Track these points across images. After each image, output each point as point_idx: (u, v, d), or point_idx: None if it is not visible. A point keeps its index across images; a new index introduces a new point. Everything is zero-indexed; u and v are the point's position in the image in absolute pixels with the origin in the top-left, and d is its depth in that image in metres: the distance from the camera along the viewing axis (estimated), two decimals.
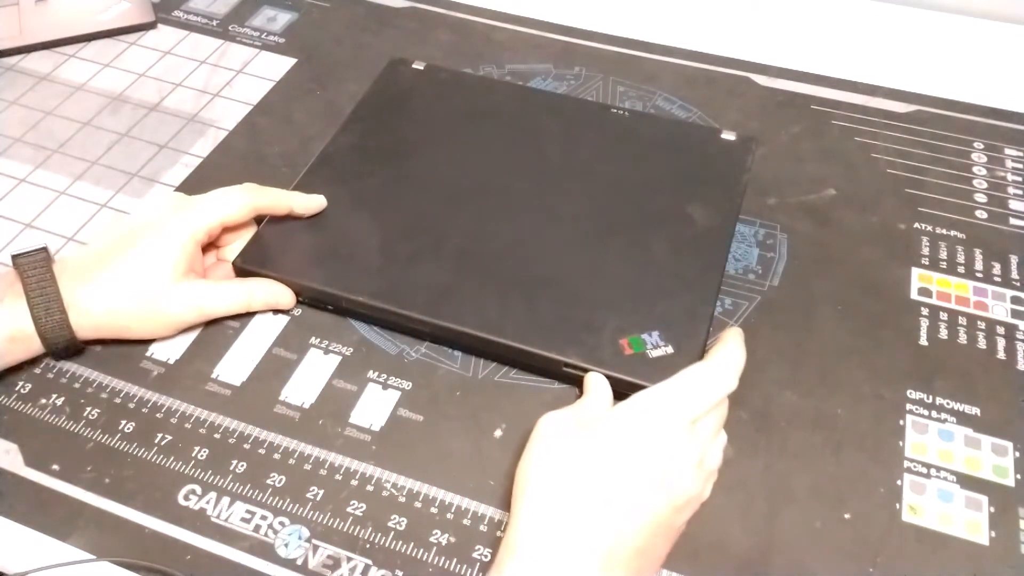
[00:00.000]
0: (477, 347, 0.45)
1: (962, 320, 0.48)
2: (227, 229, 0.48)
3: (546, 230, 0.48)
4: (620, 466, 0.35)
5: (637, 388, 0.39)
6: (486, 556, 0.39)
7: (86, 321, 0.43)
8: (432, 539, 0.39)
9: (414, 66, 0.59)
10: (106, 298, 0.43)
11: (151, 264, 0.44)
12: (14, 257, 0.43)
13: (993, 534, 0.40)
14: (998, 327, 0.47)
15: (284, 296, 0.47)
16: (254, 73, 0.64)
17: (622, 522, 0.34)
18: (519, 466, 0.37)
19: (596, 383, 0.41)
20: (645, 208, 0.49)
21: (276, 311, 0.48)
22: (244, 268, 0.47)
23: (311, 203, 0.49)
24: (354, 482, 0.41)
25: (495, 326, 0.44)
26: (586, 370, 0.42)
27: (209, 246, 0.49)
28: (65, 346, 0.44)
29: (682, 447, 0.36)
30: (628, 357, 0.42)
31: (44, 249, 0.43)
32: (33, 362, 0.46)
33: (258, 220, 0.50)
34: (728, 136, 0.53)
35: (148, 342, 0.46)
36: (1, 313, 0.42)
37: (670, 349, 0.42)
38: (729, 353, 0.39)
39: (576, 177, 0.51)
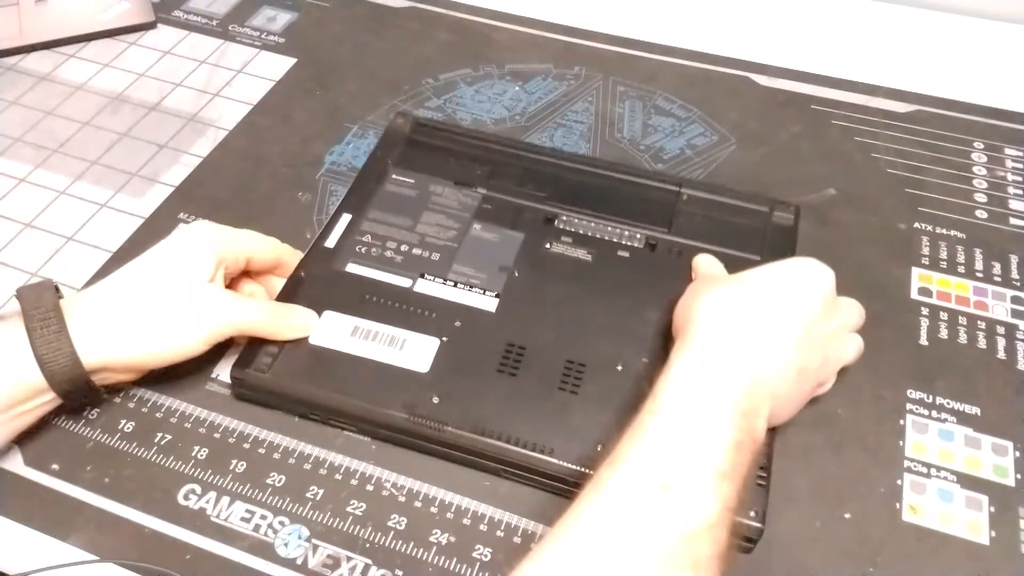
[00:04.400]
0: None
1: (962, 320, 0.48)
2: (245, 275, 0.47)
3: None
4: (765, 312, 0.38)
5: None
6: (486, 556, 0.39)
7: (97, 351, 0.40)
8: (432, 539, 0.39)
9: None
10: (122, 319, 0.41)
11: (182, 270, 0.42)
12: (18, 291, 0.41)
13: (993, 534, 0.40)
14: (998, 327, 0.47)
15: (311, 325, 0.44)
16: (254, 73, 0.64)
17: (761, 362, 0.36)
18: (676, 311, 0.42)
19: (708, 261, 0.47)
20: None
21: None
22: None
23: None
24: (354, 482, 0.41)
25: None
26: None
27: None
28: (72, 376, 0.39)
29: (824, 309, 0.39)
30: None
31: (45, 283, 0.41)
32: None
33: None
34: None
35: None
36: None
37: None
38: None
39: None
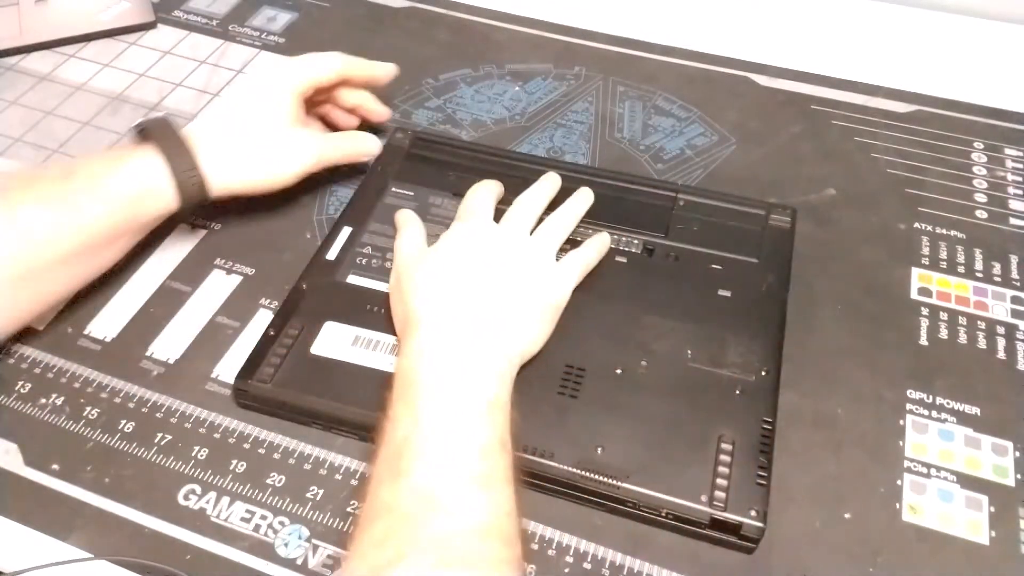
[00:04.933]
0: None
1: (962, 320, 0.48)
2: (320, 92, 0.53)
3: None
4: (461, 263, 0.44)
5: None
6: None
7: (218, 175, 0.47)
8: None
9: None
10: (235, 150, 0.48)
11: (270, 113, 0.49)
12: (139, 125, 0.47)
13: (993, 534, 0.40)
14: (998, 327, 0.47)
15: (378, 142, 0.54)
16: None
17: (476, 297, 0.42)
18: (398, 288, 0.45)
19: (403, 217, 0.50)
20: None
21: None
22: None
23: (388, 70, 0.55)
24: (354, 482, 0.41)
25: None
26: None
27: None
28: (199, 197, 0.46)
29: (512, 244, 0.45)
30: None
31: (164, 118, 0.48)
32: (33, 362, 0.46)
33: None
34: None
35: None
36: (136, 165, 0.45)
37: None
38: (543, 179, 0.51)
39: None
